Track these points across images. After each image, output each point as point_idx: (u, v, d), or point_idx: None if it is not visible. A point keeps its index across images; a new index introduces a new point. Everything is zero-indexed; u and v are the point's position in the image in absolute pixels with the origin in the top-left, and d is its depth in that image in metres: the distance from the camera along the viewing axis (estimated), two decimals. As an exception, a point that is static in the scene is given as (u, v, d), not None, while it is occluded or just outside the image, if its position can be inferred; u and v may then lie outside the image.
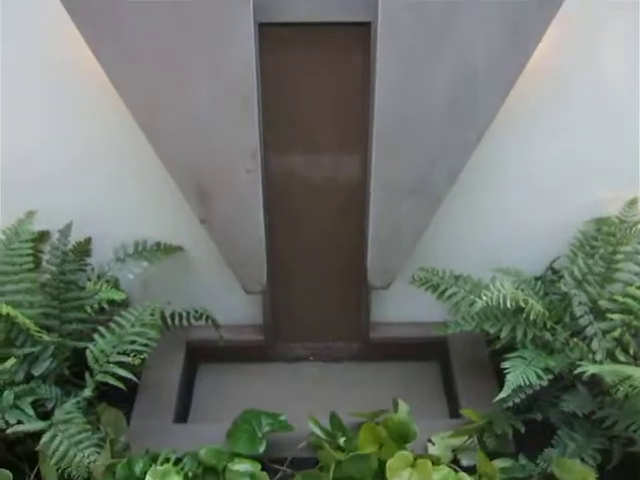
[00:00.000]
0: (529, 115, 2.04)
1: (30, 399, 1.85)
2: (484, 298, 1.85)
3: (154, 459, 1.93)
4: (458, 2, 1.69)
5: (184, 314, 2.20)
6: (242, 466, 1.91)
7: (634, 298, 1.94)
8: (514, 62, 1.79)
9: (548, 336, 1.99)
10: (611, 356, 1.94)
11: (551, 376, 1.90)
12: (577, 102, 2.03)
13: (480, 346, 2.39)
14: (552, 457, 1.92)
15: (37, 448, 1.79)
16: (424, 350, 2.49)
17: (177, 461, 1.93)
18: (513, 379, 1.86)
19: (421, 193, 1.99)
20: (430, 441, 2.05)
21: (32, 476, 1.91)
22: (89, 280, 2.11)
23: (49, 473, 1.84)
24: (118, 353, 1.91)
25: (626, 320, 1.95)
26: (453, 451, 2.03)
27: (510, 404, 1.91)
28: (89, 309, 2.03)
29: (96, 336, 1.95)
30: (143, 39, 1.74)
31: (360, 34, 1.82)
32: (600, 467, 1.91)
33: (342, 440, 1.98)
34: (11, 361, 1.80)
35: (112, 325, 1.96)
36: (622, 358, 1.92)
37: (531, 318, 1.93)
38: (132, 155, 2.06)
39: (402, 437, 1.96)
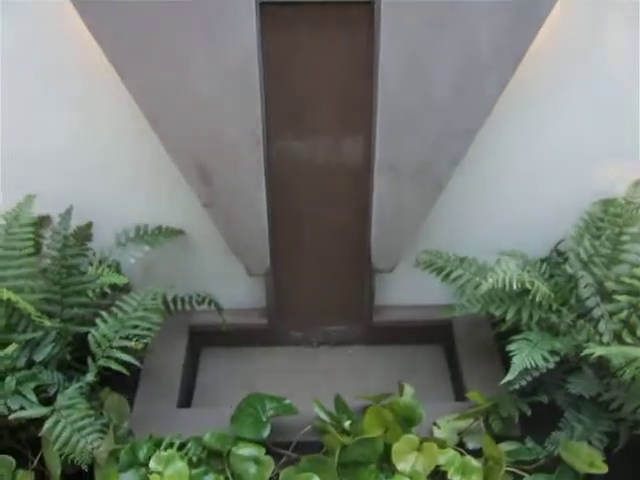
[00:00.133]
0: (532, 97, 2.02)
1: (32, 385, 1.84)
2: (490, 280, 1.84)
3: (158, 444, 1.92)
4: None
5: (186, 298, 2.19)
6: (246, 450, 1.91)
7: (641, 279, 1.93)
8: (517, 46, 1.77)
9: (554, 318, 1.97)
10: (618, 338, 1.92)
11: (557, 358, 1.89)
12: (579, 85, 2.01)
13: (484, 329, 2.38)
14: (559, 440, 1.91)
15: (40, 434, 1.78)
16: (428, 333, 2.48)
17: (181, 446, 1.93)
18: (519, 361, 1.85)
19: (424, 176, 1.98)
20: (435, 424, 2.04)
21: (35, 462, 1.89)
22: (90, 265, 2.09)
23: (52, 459, 1.82)
24: (121, 338, 1.91)
25: (633, 302, 1.93)
26: (459, 434, 2.02)
27: (516, 387, 1.90)
28: (91, 294, 2.02)
29: (98, 321, 1.93)
30: (144, 21, 1.72)
31: (364, 13, 1.79)
32: (607, 450, 1.90)
33: (347, 424, 1.97)
34: (12, 347, 1.79)
35: (114, 310, 1.95)
36: (629, 340, 1.91)
37: (537, 300, 1.92)
38: (133, 139, 2.04)
39: (408, 420, 1.96)
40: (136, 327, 1.93)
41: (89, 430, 1.77)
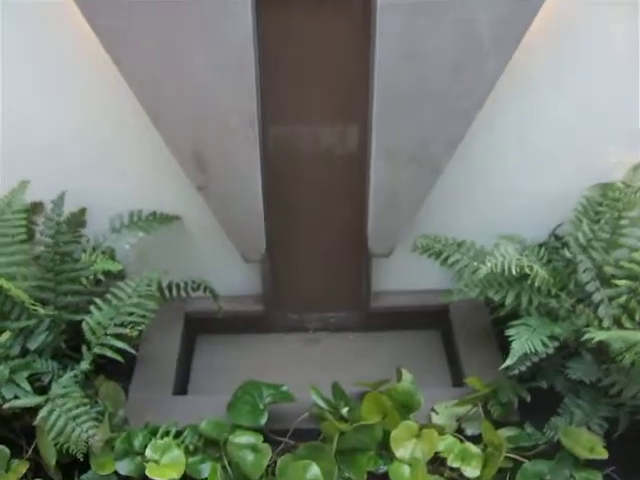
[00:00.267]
0: (530, 80, 2.00)
1: (26, 373, 1.83)
2: (488, 264, 1.83)
3: (154, 432, 1.91)
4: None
5: (182, 285, 2.18)
6: (244, 438, 1.89)
7: (640, 264, 1.91)
8: (518, 27, 1.76)
9: (553, 303, 1.96)
10: (617, 323, 1.91)
11: (557, 343, 1.88)
12: (578, 68, 1.99)
13: (482, 314, 2.37)
14: (559, 425, 1.90)
15: (34, 423, 1.77)
16: (426, 319, 2.47)
17: (177, 434, 1.91)
18: (518, 347, 1.84)
19: (421, 161, 1.97)
20: (434, 410, 2.03)
21: (30, 451, 1.88)
22: (84, 251, 2.07)
23: (47, 448, 1.81)
24: (115, 325, 1.89)
25: (632, 286, 1.91)
26: (457, 420, 2.01)
27: (515, 372, 1.90)
28: (85, 281, 2.00)
29: (93, 308, 1.91)
30: (139, 6, 1.70)
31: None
32: (606, 435, 1.89)
33: (345, 410, 1.95)
34: (6, 335, 1.78)
35: (109, 297, 1.93)
36: (628, 325, 1.90)
37: (536, 285, 1.91)
38: (127, 123, 2.02)
39: (406, 407, 1.94)
40: (131, 314, 1.91)
41: (84, 419, 1.75)
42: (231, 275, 2.38)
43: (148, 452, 1.84)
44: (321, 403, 1.96)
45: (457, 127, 1.90)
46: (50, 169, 2.09)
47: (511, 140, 2.13)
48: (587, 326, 1.89)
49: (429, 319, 2.47)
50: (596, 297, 1.90)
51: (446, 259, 2.09)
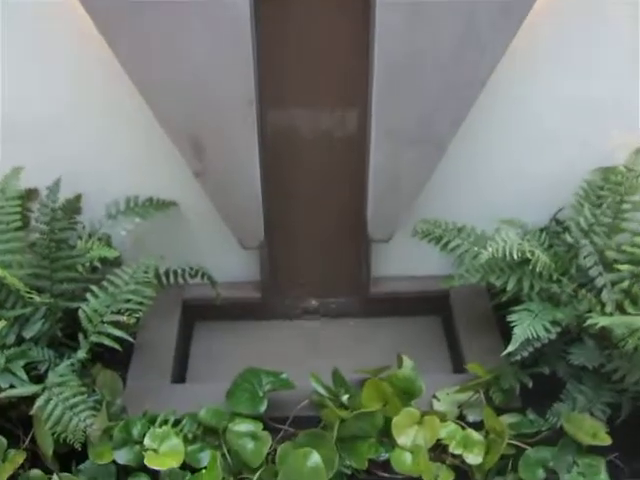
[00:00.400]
0: (531, 62, 1.98)
1: (22, 362, 1.81)
2: (489, 249, 1.82)
3: (152, 421, 1.89)
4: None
5: (179, 271, 2.16)
6: (243, 426, 1.88)
7: (642, 248, 1.90)
8: (519, 8, 1.74)
9: (555, 288, 1.94)
10: (619, 308, 1.89)
11: (559, 329, 1.87)
12: (580, 50, 1.97)
13: (482, 299, 2.35)
14: (561, 412, 1.89)
15: (31, 413, 1.75)
16: (426, 304, 2.45)
17: (176, 422, 1.90)
18: (520, 332, 1.83)
19: (423, 143, 1.95)
20: (435, 397, 2.02)
21: (27, 441, 1.87)
22: (80, 238, 2.05)
23: (44, 438, 1.79)
24: (112, 312, 1.87)
25: (634, 271, 1.90)
26: (459, 407, 1.99)
27: (517, 358, 1.88)
28: (81, 268, 1.98)
29: (89, 295, 1.90)
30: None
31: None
32: (609, 421, 1.88)
33: (345, 398, 1.94)
34: (1, 323, 1.76)
35: (105, 284, 1.92)
36: (631, 310, 1.87)
37: (537, 270, 1.89)
38: (122, 107, 2.00)
39: (407, 393, 1.93)
40: (128, 301, 1.89)
41: (81, 408, 1.73)
42: (229, 261, 2.36)
43: (147, 441, 1.82)
44: (321, 390, 1.94)
45: (458, 108, 1.88)
46: (45, 155, 2.07)
47: (512, 123, 2.11)
48: (589, 311, 1.87)
49: (429, 305, 2.45)
50: (599, 282, 1.88)
51: (446, 244, 2.07)
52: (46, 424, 1.71)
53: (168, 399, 2.03)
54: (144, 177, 2.16)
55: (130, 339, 1.88)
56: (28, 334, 1.87)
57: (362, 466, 1.84)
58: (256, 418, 1.90)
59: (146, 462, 1.76)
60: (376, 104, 1.88)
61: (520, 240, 1.88)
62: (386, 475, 1.88)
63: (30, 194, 2.12)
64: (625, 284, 1.89)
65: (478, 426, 1.91)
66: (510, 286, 1.97)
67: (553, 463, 1.81)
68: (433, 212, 2.16)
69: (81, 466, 1.83)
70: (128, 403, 1.99)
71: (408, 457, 1.84)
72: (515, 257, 1.81)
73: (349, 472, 1.85)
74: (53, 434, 1.74)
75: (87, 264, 2.00)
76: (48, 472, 1.81)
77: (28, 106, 2.01)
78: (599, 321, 1.72)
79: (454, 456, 1.86)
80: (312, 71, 1.93)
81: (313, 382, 1.95)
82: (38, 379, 1.81)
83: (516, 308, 1.91)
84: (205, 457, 1.85)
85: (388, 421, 1.88)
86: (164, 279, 2.15)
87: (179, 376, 2.25)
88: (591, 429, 1.82)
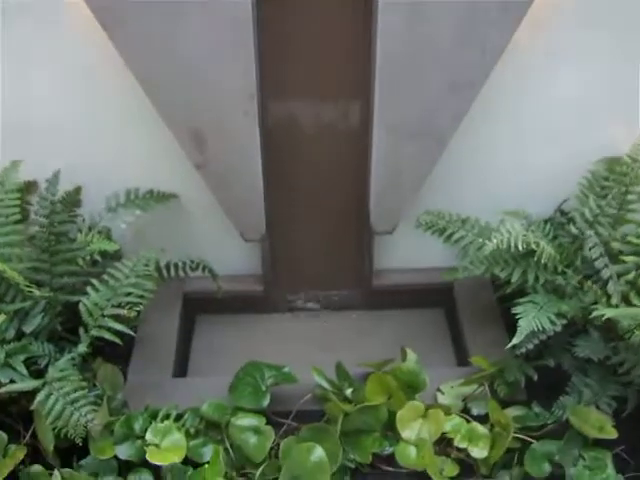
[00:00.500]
0: (535, 53, 1.96)
1: (22, 357, 1.80)
2: (494, 241, 1.80)
3: (154, 416, 1.88)
4: None
5: (180, 264, 2.15)
6: (246, 420, 1.87)
7: (648, 240, 1.88)
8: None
9: (560, 280, 1.93)
10: (625, 300, 1.87)
11: (564, 321, 1.86)
12: (583, 40, 1.95)
13: (486, 291, 2.34)
14: (567, 405, 1.88)
15: (32, 408, 1.74)
16: (429, 297, 2.44)
17: (178, 417, 1.89)
18: (526, 324, 1.81)
19: (425, 135, 1.94)
20: (439, 390, 2.00)
21: (27, 436, 1.85)
22: (80, 231, 2.03)
23: (45, 433, 1.78)
24: (113, 306, 1.86)
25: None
26: (463, 400, 1.98)
27: (523, 350, 1.87)
28: (81, 261, 1.97)
29: (89, 289, 1.88)
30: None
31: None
32: (615, 414, 1.87)
33: (349, 391, 1.93)
34: (1, 318, 1.74)
35: (106, 277, 1.90)
36: (636, 302, 1.85)
37: (542, 261, 1.88)
38: (122, 99, 1.98)
39: (412, 387, 1.92)
40: (129, 295, 1.88)
41: (82, 402, 1.72)
42: (230, 254, 2.34)
43: (148, 436, 1.81)
44: (324, 384, 1.93)
45: (462, 100, 1.87)
46: (44, 147, 2.05)
47: (515, 115, 2.09)
48: (595, 303, 1.86)
49: (433, 297, 2.44)
50: (605, 273, 1.86)
51: (450, 236, 2.06)
52: (47, 419, 1.69)
53: (170, 393, 2.02)
54: (144, 169, 2.15)
55: (131, 333, 1.87)
56: (28, 328, 1.86)
57: (366, 460, 1.84)
58: (259, 412, 1.89)
59: (148, 457, 1.75)
60: (378, 98, 1.87)
61: (525, 231, 1.86)
62: (390, 469, 1.87)
63: (29, 187, 2.10)
64: (631, 276, 1.87)
65: (482, 419, 1.90)
66: (515, 278, 1.95)
67: (559, 457, 1.80)
68: (436, 204, 2.15)
69: (82, 461, 1.82)
70: (129, 398, 1.98)
71: (413, 451, 1.83)
72: (520, 248, 1.80)
73: (353, 466, 1.85)
74: (54, 429, 1.73)
75: (87, 257, 1.98)
76: (49, 467, 1.80)
77: (28, 100, 2.00)
78: (605, 313, 1.71)
79: (459, 450, 1.85)
80: (314, 64, 1.91)
81: (316, 376, 1.94)
82: (38, 374, 1.79)
83: (521, 300, 1.89)
84: (207, 452, 1.84)
85: (392, 415, 1.87)
86: (165, 272, 2.14)
87: (180, 370, 2.24)
88: (597, 422, 1.82)
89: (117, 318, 1.85)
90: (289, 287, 2.41)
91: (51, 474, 1.76)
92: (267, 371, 1.97)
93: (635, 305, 1.84)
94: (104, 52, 1.81)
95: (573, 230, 2.00)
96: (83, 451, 1.80)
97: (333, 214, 2.22)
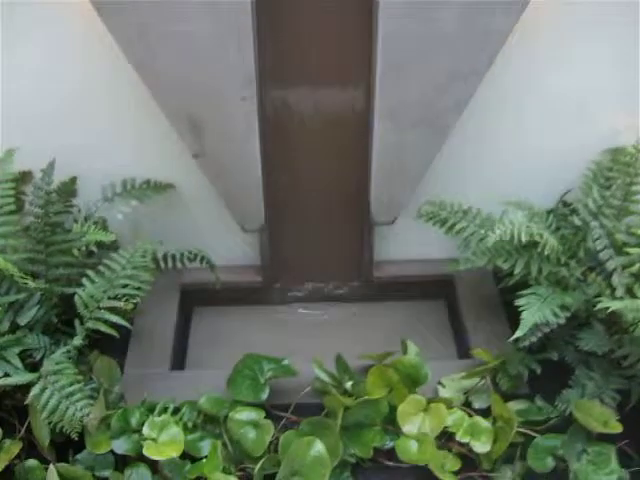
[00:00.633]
0: (540, 39, 1.93)
1: (17, 350, 1.78)
2: (497, 232, 1.78)
3: (151, 409, 1.86)
4: None
5: (177, 255, 2.13)
6: (244, 414, 1.85)
7: (653, 231, 1.86)
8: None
9: (564, 272, 1.90)
10: (629, 292, 1.85)
11: (568, 314, 1.83)
12: (590, 27, 1.92)
13: (488, 283, 2.32)
14: (570, 398, 1.86)
15: (26, 402, 1.71)
16: (430, 288, 2.42)
17: (175, 411, 1.87)
18: (529, 317, 1.79)
19: (427, 123, 1.91)
20: (440, 383, 1.98)
21: (23, 431, 1.83)
22: (75, 222, 2.02)
23: (40, 428, 1.76)
24: (109, 298, 1.84)
25: (645, 254, 1.86)
26: (465, 393, 1.96)
27: (526, 343, 1.86)
28: (76, 252, 1.95)
29: (85, 280, 1.86)
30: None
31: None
32: (619, 408, 1.86)
33: (349, 384, 1.91)
34: (-5, 310, 1.73)
35: (101, 269, 1.89)
36: (640, 294, 1.84)
37: (545, 253, 1.85)
38: (118, 87, 1.96)
39: (413, 380, 1.90)
40: (125, 286, 1.86)
41: (78, 397, 1.69)
42: (229, 245, 2.33)
43: (145, 430, 1.79)
44: (324, 377, 1.91)
45: (466, 86, 1.84)
46: (39, 137, 2.02)
47: (518, 104, 2.06)
48: (598, 295, 1.84)
49: (433, 289, 2.42)
50: (609, 265, 1.85)
51: (452, 227, 2.03)
52: (42, 414, 1.67)
53: (167, 386, 2.00)
54: (141, 159, 2.12)
55: (127, 325, 1.85)
56: (23, 321, 1.84)
57: (367, 455, 1.82)
58: (258, 406, 1.87)
59: (145, 452, 1.73)
60: (379, 84, 1.84)
61: (528, 223, 1.85)
62: (391, 464, 1.85)
63: (24, 177, 2.08)
64: (635, 268, 1.85)
65: (484, 413, 1.89)
66: (518, 270, 1.93)
67: (563, 451, 1.78)
68: (437, 194, 2.12)
69: (78, 456, 1.81)
70: (126, 391, 1.97)
71: (414, 445, 1.81)
72: (523, 240, 1.78)
73: (354, 461, 1.83)
74: (49, 424, 1.71)
75: (83, 248, 1.97)
76: (45, 462, 1.77)
77: (23, 89, 1.97)
78: (610, 305, 1.68)
79: (461, 444, 1.83)
80: (313, 49, 1.88)
81: (316, 368, 1.91)
82: (33, 367, 1.78)
83: (524, 292, 1.87)
84: (205, 446, 1.82)
85: (393, 409, 1.85)
86: (162, 263, 2.12)
87: (178, 363, 2.22)
88: (601, 416, 1.79)
89: (113, 310, 1.83)
90: (288, 278, 2.39)
91: (46, 469, 1.73)
92: (266, 364, 1.95)
93: (639, 297, 1.82)
94: (99, 39, 1.79)
95: (576, 221, 1.97)
96: (79, 445, 1.78)
97: (333, 204, 2.19)
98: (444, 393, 1.96)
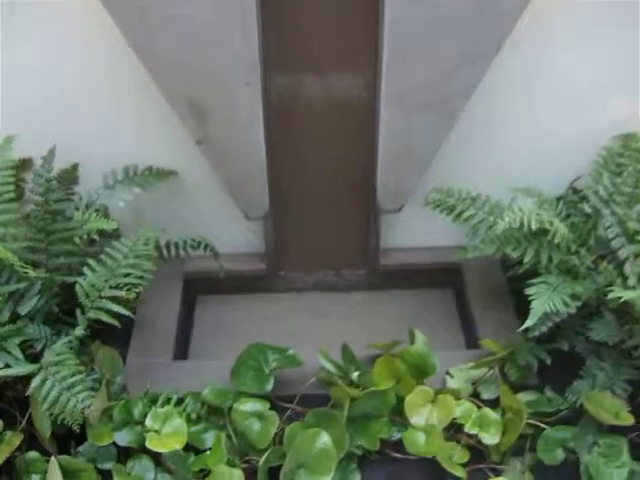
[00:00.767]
0: (549, 23, 1.89)
1: (17, 340, 1.76)
2: (507, 219, 1.75)
3: (154, 400, 1.85)
4: None
5: (180, 243, 2.11)
6: (249, 405, 1.82)
7: (666, 219, 1.83)
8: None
9: (574, 260, 1.87)
10: (640, 281, 1.83)
11: (579, 303, 1.80)
12: (600, 11, 1.87)
13: (496, 271, 2.29)
14: (581, 390, 1.84)
15: (27, 393, 1.69)
16: (437, 277, 2.40)
17: (179, 402, 1.85)
18: (539, 306, 1.76)
19: (435, 108, 1.88)
20: (449, 374, 1.96)
21: (24, 422, 1.81)
22: (77, 210, 1.99)
23: (41, 420, 1.74)
24: (111, 287, 1.82)
25: (656, 243, 1.83)
26: (473, 384, 1.94)
27: (536, 333, 1.83)
28: (78, 241, 1.92)
29: (86, 269, 1.84)
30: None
31: None
32: (630, 399, 1.84)
33: (355, 375, 1.88)
34: (-5, 300, 1.71)
35: (103, 257, 1.86)
36: (652, 283, 1.81)
37: (556, 241, 1.82)
38: (119, 71, 1.93)
39: (421, 371, 1.87)
40: (127, 275, 1.84)
41: (79, 388, 1.67)
42: (232, 232, 2.30)
43: (148, 422, 1.77)
44: (330, 367, 1.88)
45: (474, 71, 1.80)
46: (39, 123, 1.99)
47: (526, 89, 2.03)
48: (609, 285, 1.80)
49: (441, 277, 2.40)
50: (621, 254, 1.81)
51: (460, 214, 2.00)
52: (42, 405, 1.65)
53: (170, 377, 1.98)
54: (143, 145, 2.10)
55: (130, 315, 1.82)
56: (23, 310, 1.81)
57: (374, 446, 1.79)
58: (262, 397, 1.85)
59: (147, 444, 1.71)
60: (386, 68, 1.80)
61: (537, 210, 1.82)
62: (399, 456, 1.83)
63: (24, 164, 2.06)
64: (648, 256, 1.82)
65: (493, 404, 1.86)
66: (527, 258, 1.89)
67: (573, 443, 1.76)
68: (445, 181, 2.09)
69: (80, 448, 1.79)
70: (129, 381, 1.95)
71: (422, 437, 1.78)
72: (533, 227, 1.75)
73: (360, 453, 1.80)
74: (50, 415, 1.68)
75: (84, 236, 1.95)
76: (46, 454, 1.75)
77: (22, 75, 1.94)
78: (623, 295, 1.65)
79: (469, 436, 1.80)
80: (319, 35, 1.85)
81: (321, 358, 1.89)
82: (34, 357, 1.76)
83: (534, 281, 1.84)
84: (209, 438, 1.80)
85: (400, 400, 1.82)
86: (165, 251, 2.10)
87: (181, 353, 2.20)
88: (612, 408, 1.77)
89: (115, 300, 1.80)
90: (293, 266, 2.37)
91: (48, 461, 1.71)
92: (271, 354, 1.93)
93: (651, 286, 1.79)
94: (99, 22, 1.76)
95: (586, 209, 1.94)
96: (81, 437, 1.76)
97: (338, 191, 2.17)
98: (452, 384, 1.93)
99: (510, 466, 1.78)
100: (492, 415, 1.80)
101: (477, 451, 1.81)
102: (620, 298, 1.66)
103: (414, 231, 2.33)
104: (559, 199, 2.07)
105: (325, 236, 2.29)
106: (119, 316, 1.81)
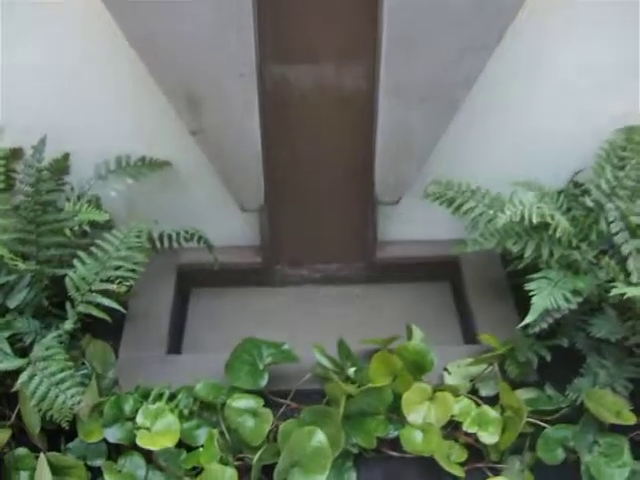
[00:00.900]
0: (551, 16, 1.87)
1: (6, 334, 1.74)
2: (507, 212, 1.73)
3: (145, 396, 1.82)
4: None
5: (174, 235, 2.08)
6: (243, 402, 1.80)
7: (669, 213, 1.80)
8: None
9: (575, 255, 1.84)
10: (643, 277, 1.80)
11: (580, 299, 1.78)
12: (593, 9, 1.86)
13: (495, 265, 2.26)
14: (582, 387, 1.82)
15: (14, 389, 1.67)
16: (435, 270, 2.38)
17: (171, 397, 1.83)
18: (540, 302, 1.74)
19: (435, 99, 1.86)
20: (446, 370, 1.93)
21: (13, 418, 1.79)
22: (68, 200, 1.97)
23: (30, 415, 1.71)
24: (101, 280, 1.79)
25: (660, 238, 1.80)
26: (471, 380, 1.92)
27: (536, 329, 1.81)
28: (69, 232, 1.90)
29: (76, 262, 1.81)
30: None
31: None
32: (631, 397, 1.81)
33: (352, 371, 1.87)
34: (-17, 293, 1.69)
35: (94, 249, 1.83)
36: (657, 280, 1.78)
37: (557, 235, 1.80)
38: (113, 60, 1.90)
39: (418, 367, 1.85)
40: (118, 268, 1.81)
41: (68, 384, 1.64)
42: (227, 224, 2.28)
43: (139, 419, 1.75)
44: (325, 362, 1.86)
45: (475, 62, 1.78)
46: (31, 113, 1.97)
47: (528, 81, 2.01)
48: (611, 280, 1.77)
49: (439, 270, 2.38)
50: (624, 249, 1.79)
51: (459, 207, 1.97)
52: (31, 401, 1.62)
53: (163, 371, 1.96)
54: (136, 135, 2.07)
55: (121, 309, 1.80)
56: (12, 303, 1.79)
57: (370, 445, 1.78)
58: (256, 393, 1.83)
59: (138, 442, 1.69)
60: (384, 58, 1.78)
61: (538, 203, 1.79)
62: (395, 454, 1.81)
63: (15, 154, 2.03)
64: (650, 251, 1.80)
65: (491, 401, 1.85)
66: (528, 252, 1.87)
67: (574, 442, 1.74)
68: (443, 173, 2.07)
69: (70, 444, 1.77)
70: (120, 376, 1.93)
71: (419, 435, 1.77)
72: (534, 221, 1.72)
73: (356, 451, 1.79)
74: (39, 411, 1.66)
75: (75, 228, 1.92)
76: (35, 450, 1.74)
77: (13, 64, 1.92)
78: (627, 291, 1.63)
79: (468, 434, 1.79)
80: (315, 21, 1.82)
81: (317, 354, 1.87)
82: (23, 352, 1.73)
83: (534, 276, 1.81)
84: (202, 435, 1.78)
85: (397, 397, 1.80)
86: (158, 243, 2.07)
87: (174, 347, 2.17)
88: (614, 406, 1.75)
89: (106, 293, 1.78)
90: (289, 259, 2.34)
91: (37, 457, 1.69)
92: (265, 348, 1.91)
93: (656, 283, 1.77)
94: (97, 15, 1.74)
95: (588, 203, 1.92)
96: (71, 433, 1.74)
97: (335, 183, 2.15)
98: (450, 380, 1.91)
99: (509, 465, 1.76)
100: (491, 413, 1.78)
101: (475, 450, 1.79)
102: (623, 294, 1.64)
103: (412, 224, 2.31)
104: (560, 193, 2.04)
105: (322, 229, 2.27)
106: (110, 310, 1.78)
